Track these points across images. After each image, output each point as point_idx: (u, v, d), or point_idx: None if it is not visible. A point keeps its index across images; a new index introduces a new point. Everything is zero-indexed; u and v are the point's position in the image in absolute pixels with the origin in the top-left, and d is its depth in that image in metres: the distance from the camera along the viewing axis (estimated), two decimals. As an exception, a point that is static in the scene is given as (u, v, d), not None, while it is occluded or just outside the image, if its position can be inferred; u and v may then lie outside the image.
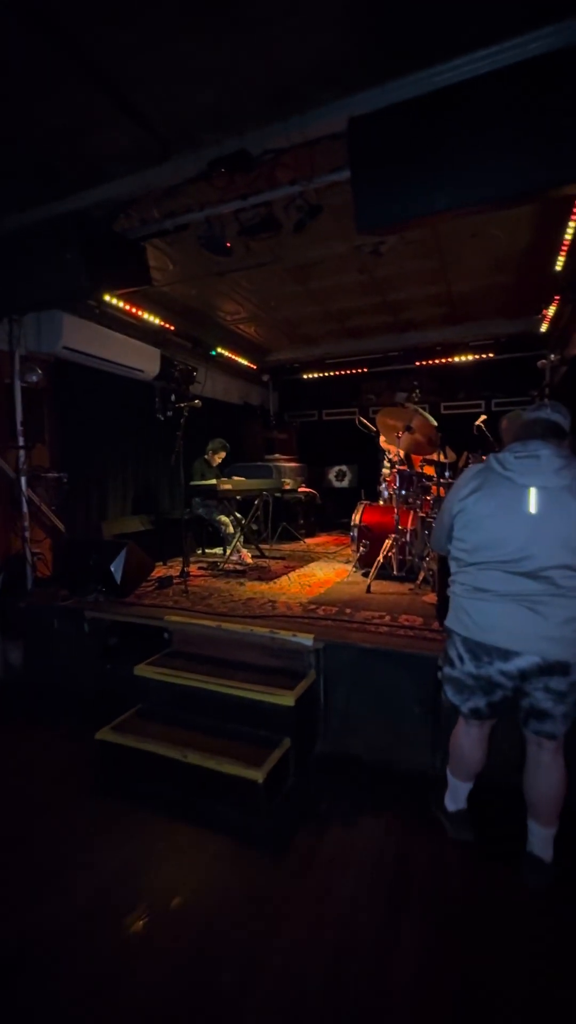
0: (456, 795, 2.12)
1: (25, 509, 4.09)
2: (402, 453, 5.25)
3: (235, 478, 5.19)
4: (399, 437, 3.87)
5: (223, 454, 5.47)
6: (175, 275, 4.61)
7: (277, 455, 7.58)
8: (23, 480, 4.07)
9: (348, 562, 4.69)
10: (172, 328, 5.64)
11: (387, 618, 3.11)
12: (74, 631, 3.56)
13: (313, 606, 3.42)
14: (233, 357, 6.89)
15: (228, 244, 3.35)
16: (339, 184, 2.81)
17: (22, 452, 4.06)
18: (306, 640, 2.79)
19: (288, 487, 6.59)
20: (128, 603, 3.59)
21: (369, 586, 3.76)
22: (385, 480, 4.42)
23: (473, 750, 2.02)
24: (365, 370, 7.63)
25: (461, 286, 5.02)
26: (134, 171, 2.92)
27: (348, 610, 3.30)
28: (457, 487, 1.94)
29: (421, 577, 3.87)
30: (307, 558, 5.30)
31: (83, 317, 4.56)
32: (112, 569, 3.64)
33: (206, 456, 5.46)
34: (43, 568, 4.34)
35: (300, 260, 4.39)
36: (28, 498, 4.14)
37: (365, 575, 4.13)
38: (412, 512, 4.13)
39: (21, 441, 4.05)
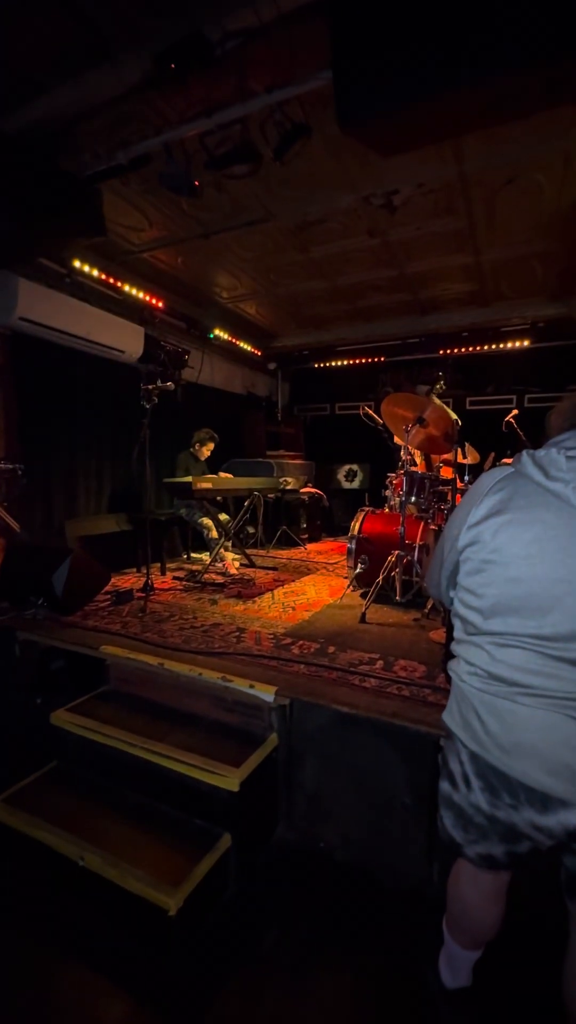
0: (455, 964, 1.40)
1: (-34, 505, 3.51)
2: (417, 452, 4.50)
3: (221, 475, 4.53)
4: (408, 430, 3.13)
5: (211, 446, 4.82)
6: (154, 238, 3.96)
7: (282, 451, 6.90)
8: (-36, 471, 3.49)
9: (347, 577, 3.98)
10: (160, 304, 5.00)
11: (379, 664, 2.39)
12: (4, 654, 2.96)
13: (289, 639, 2.73)
14: (234, 341, 6.22)
15: (196, 183, 2.66)
16: (329, 97, 2.10)
17: (-36, 439, 3.48)
18: (266, 695, 2.11)
19: (290, 486, 5.91)
20: (68, 623, 2.97)
21: (364, 614, 3.05)
22: (392, 483, 3.69)
23: (483, 908, 1.31)
24: (382, 359, 6.87)
25: (493, 254, 4.22)
26: (67, 77, 2.26)
27: (332, 648, 2.60)
28: (467, 503, 1.22)
29: (429, 605, 3.14)
30: (302, 570, 4.61)
31: (47, 285, 3.95)
32: (53, 581, 3.03)
33: (192, 449, 4.82)
34: (-8, 573, 3.75)
35: (297, 218, 3.68)
36: (-28, 492, 3.57)
37: (363, 596, 3.41)
38: (422, 523, 3.39)
39: (-37, 426, 3.47)
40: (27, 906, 1.80)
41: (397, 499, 3.50)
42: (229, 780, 1.84)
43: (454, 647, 1.30)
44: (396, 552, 3.13)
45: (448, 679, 2.13)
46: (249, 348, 6.50)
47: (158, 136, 2.51)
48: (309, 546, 5.99)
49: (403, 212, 3.60)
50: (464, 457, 3.17)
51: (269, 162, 2.71)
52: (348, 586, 3.63)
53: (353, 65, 1.58)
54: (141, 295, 4.74)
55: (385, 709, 1.94)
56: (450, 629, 2.22)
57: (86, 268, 4.14)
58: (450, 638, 2.18)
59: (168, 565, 4.60)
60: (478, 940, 1.35)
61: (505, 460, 4.29)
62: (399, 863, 1.90)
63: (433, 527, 3.29)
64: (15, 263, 3.42)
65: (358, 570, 3.47)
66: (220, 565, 4.39)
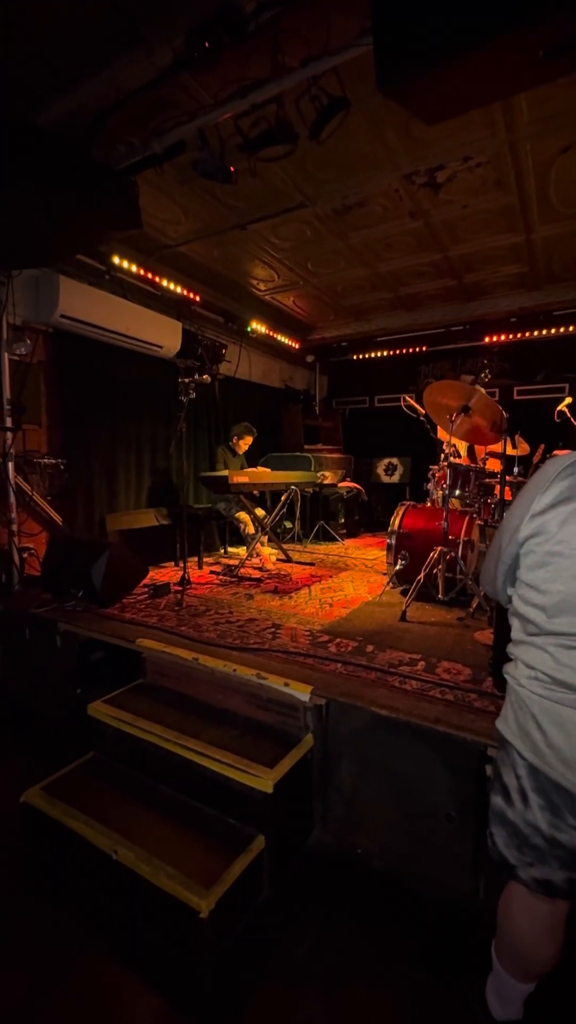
0: (505, 994, 1.29)
1: (12, 499, 3.61)
2: (461, 444, 4.31)
3: (258, 470, 4.48)
4: (452, 420, 2.97)
5: (249, 439, 4.77)
6: (190, 230, 3.94)
7: (319, 445, 6.80)
8: (10, 466, 3.59)
9: (386, 573, 3.85)
10: (197, 299, 5.00)
11: (421, 665, 2.27)
12: (46, 644, 3.02)
13: (326, 637, 2.64)
14: (272, 334, 6.16)
15: (232, 168, 2.60)
16: (368, 68, 1.98)
17: (8, 434, 3.57)
18: (301, 694, 2.03)
19: (327, 481, 5.81)
20: (106, 615, 3.00)
21: (404, 612, 2.92)
22: (434, 476, 3.53)
23: (537, 938, 1.19)
24: (424, 349, 6.64)
25: (546, 232, 3.96)
26: (98, 66, 2.24)
27: (370, 647, 2.49)
28: (531, 490, 1.10)
29: (475, 604, 2.97)
30: (340, 566, 4.50)
31: (88, 282, 4.01)
32: (92, 574, 3.07)
33: (230, 443, 4.79)
34: (36, 565, 3.86)
35: (335, 202, 3.56)
36: (17, 486, 3.67)
37: (403, 594, 3.28)
38: (467, 518, 3.22)
39: (8, 421, 3.57)
40: (63, 896, 1.81)
41: (440, 493, 3.34)
42: (263, 781, 1.78)
43: (511, 649, 1.18)
44: (439, 548, 2.99)
45: (497, 684, 2.00)
46: (286, 341, 6.42)
47: (192, 121, 2.46)
48: (347, 542, 5.87)
49: (448, 190, 3.42)
50: (513, 448, 2.97)
51: (305, 143, 2.62)
52: (387, 583, 3.51)
53: (394, 18, 1.46)
54: (178, 289, 4.75)
55: (427, 714, 1.82)
56: (500, 629, 2.08)
57: (125, 264, 4.17)
58: (501, 639, 2.04)
59: (205, 559, 4.61)
60: (531, 973, 1.24)
61: (557, 452, 4.03)
62: (441, 876, 1.79)
63: (479, 522, 3.11)
64: (55, 260, 3.47)
65: (398, 566, 3.34)
66: (257, 560, 4.35)
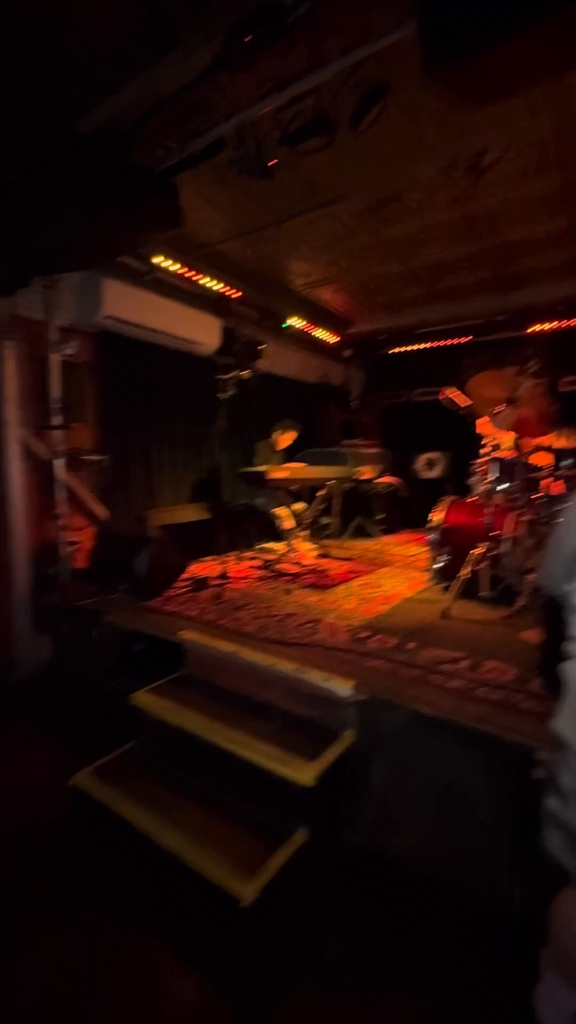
0: (562, 1008, 1.24)
1: (60, 494, 3.76)
2: (505, 438, 4.17)
3: (295, 465, 4.49)
4: (496, 414, 2.88)
5: (292, 435, 4.79)
6: (228, 229, 3.97)
7: (356, 440, 6.73)
8: (58, 463, 3.73)
9: (427, 570, 3.78)
10: (236, 295, 5.04)
11: (464, 664, 2.22)
12: (91, 635, 3.13)
13: (366, 633, 2.62)
14: (309, 329, 6.13)
15: (269, 163, 2.60)
16: (409, 55, 1.93)
17: (57, 432, 3.72)
18: (342, 689, 2.03)
19: (365, 476, 5.74)
20: (149, 608, 3.08)
21: (447, 610, 2.86)
22: (477, 470, 3.42)
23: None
24: (465, 340, 6.44)
25: (596, 213, 3.76)
26: (137, 71, 2.28)
27: (411, 644, 2.46)
28: None
29: (521, 603, 2.87)
30: (378, 562, 4.46)
31: (130, 283, 4.10)
32: (135, 567, 3.16)
33: (271, 439, 4.81)
34: (83, 559, 4.00)
35: (371, 196, 3.50)
36: (65, 482, 3.81)
37: (445, 590, 3.21)
38: (513, 513, 3.11)
39: (57, 420, 3.71)
40: (109, 876, 1.87)
41: (484, 488, 3.24)
42: (304, 774, 1.79)
43: (568, 647, 1.14)
44: (483, 544, 2.90)
45: (547, 685, 1.93)
46: (324, 335, 6.37)
47: (229, 120, 2.47)
48: (384, 538, 5.79)
49: (488, 178, 3.29)
50: (567, 441, 2.85)
51: (343, 136, 2.59)
52: (428, 579, 3.44)
53: (441, -2, 1.42)
54: (218, 287, 4.79)
55: (471, 714, 1.78)
56: (550, 629, 2.00)
57: (166, 264, 4.24)
58: (551, 639, 1.97)
59: (244, 554, 4.65)
60: (589, 984, 1.19)
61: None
62: (475, 879, 1.74)
63: (526, 517, 3.01)
64: (97, 264, 3.58)
65: (440, 563, 3.27)
66: (294, 555, 4.36)
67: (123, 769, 2.17)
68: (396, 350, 7.00)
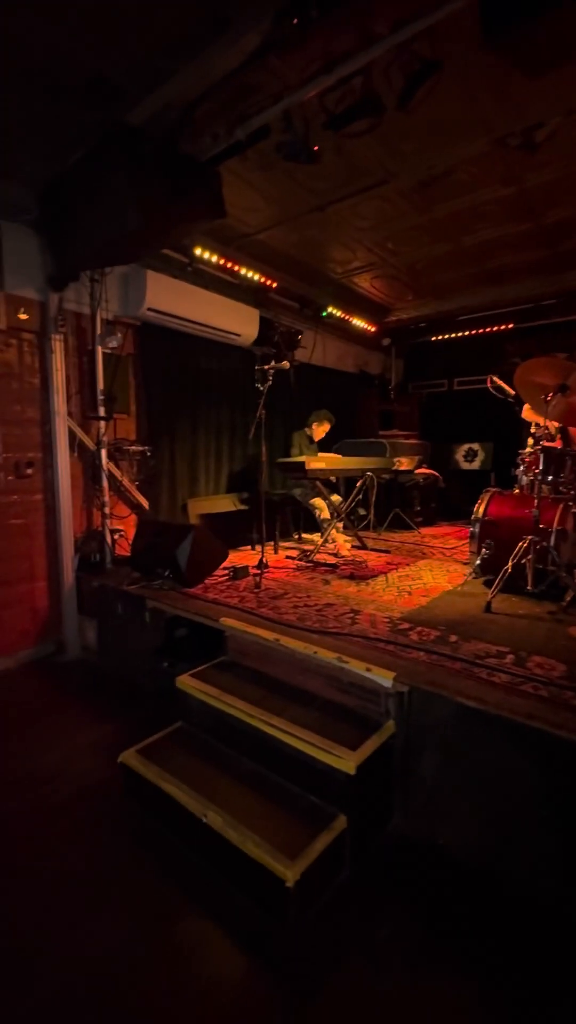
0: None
1: (105, 483, 3.87)
2: (553, 426, 4.02)
3: (332, 456, 4.46)
4: (547, 400, 2.77)
5: (327, 426, 4.76)
6: (270, 216, 3.95)
7: (395, 431, 6.63)
8: (103, 453, 3.84)
9: (467, 563, 3.71)
10: (274, 285, 5.03)
11: (509, 658, 2.17)
12: (137, 619, 3.24)
13: (406, 624, 2.60)
14: (347, 318, 6.06)
15: (315, 148, 2.57)
16: (464, 26, 1.84)
17: (102, 423, 3.82)
18: (383, 679, 2.02)
19: (403, 467, 5.66)
20: (191, 595, 3.15)
21: (490, 603, 2.80)
22: (524, 461, 3.32)
23: None
24: (510, 326, 6.22)
25: None
26: (188, 58, 2.28)
27: (453, 637, 2.42)
28: None
29: (569, 597, 2.78)
30: (417, 554, 4.39)
31: (171, 275, 4.15)
32: (177, 555, 3.23)
33: (307, 429, 4.81)
34: (125, 546, 4.13)
35: (420, 173, 3.40)
36: (109, 472, 3.93)
37: (487, 584, 3.15)
38: (561, 505, 3.00)
39: (101, 411, 3.81)
40: (157, 851, 1.95)
41: (530, 479, 3.14)
42: (346, 762, 1.80)
43: None
44: (529, 537, 2.82)
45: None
46: (362, 324, 6.29)
47: (276, 104, 2.45)
48: (423, 530, 5.71)
49: (545, 151, 3.14)
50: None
51: (391, 114, 2.53)
52: (469, 572, 3.37)
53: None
54: (256, 277, 4.79)
55: (519, 708, 1.74)
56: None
57: (206, 255, 4.27)
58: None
59: (281, 544, 4.68)
60: None
61: None
62: (528, 872, 1.72)
63: (575, 510, 2.90)
64: (145, 255, 3.63)
65: (482, 556, 3.19)
66: (331, 546, 4.35)
67: (170, 748, 2.23)
68: (436, 338, 6.84)
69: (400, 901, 1.73)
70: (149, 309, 3.96)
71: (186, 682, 2.43)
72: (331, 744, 1.87)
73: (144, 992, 1.46)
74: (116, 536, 3.98)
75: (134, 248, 2.98)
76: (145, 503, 4.26)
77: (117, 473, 4.04)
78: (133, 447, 4.11)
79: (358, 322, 6.21)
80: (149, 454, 4.20)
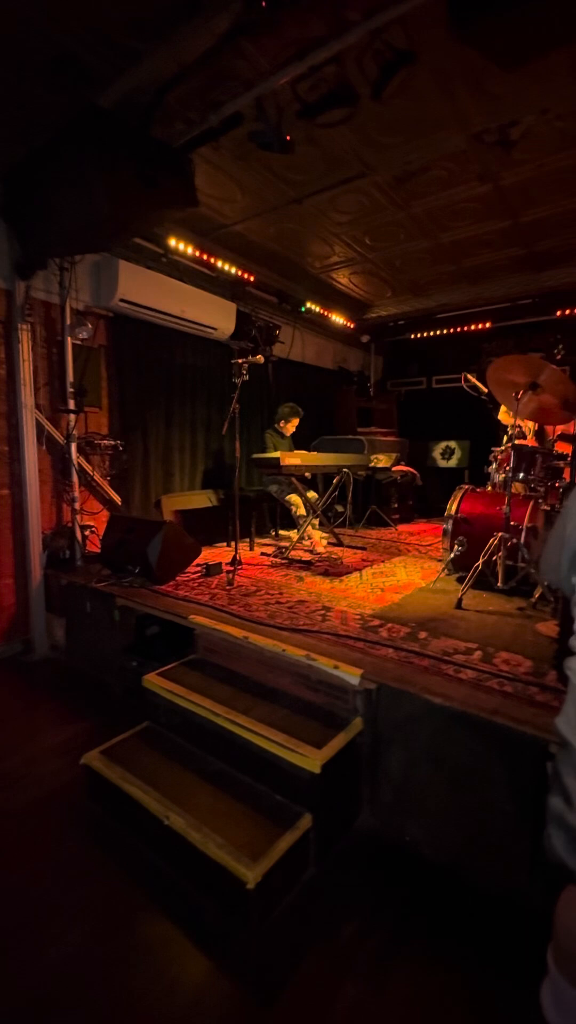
0: (563, 1003, 1.22)
1: (75, 478, 3.78)
2: (529, 426, 4.06)
3: (309, 452, 4.43)
4: (518, 398, 2.79)
5: (296, 421, 4.73)
6: (246, 208, 3.88)
7: (373, 428, 6.64)
8: (73, 447, 3.74)
9: (441, 560, 3.72)
10: (251, 279, 4.97)
11: (477, 655, 2.18)
12: (106, 617, 3.16)
13: (377, 621, 2.59)
14: (326, 314, 6.03)
15: (288, 137, 2.52)
16: (439, 15, 1.82)
17: (72, 416, 3.72)
18: (351, 677, 2.00)
19: (381, 464, 5.67)
20: (161, 592, 3.09)
21: (460, 599, 2.81)
22: (496, 458, 3.34)
23: (603, 948, 1.11)
24: (488, 325, 6.27)
25: (632, 189, 3.59)
26: (159, 39, 2.21)
27: (423, 634, 2.42)
28: None
29: (537, 594, 2.81)
30: (392, 551, 4.40)
31: (146, 266, 4.07)
32: (148, 552, 3.16)
33: (276, 425, 4.77)
34: (97, 543, 4.04)
35: (397, 168, 3.38)
36: (79, 467, 3.83)
37: (459, 581, 3.16)
38: (531, 503, 3.03)
39: (71, 404, 3.71)
40: (119, 854, 1.90)
41: (502, 476, 3.16)
42: (311, 761, 1.78)
43: (573, 642, 1.10)
44: (500, 534, 2.83)
45: (561, 678, 1.88)
46: (341, 320, 6.26)
47: (249, 91, 2.39)
48: (400, 527, 5.73)
49: (521, 148, 3.15)
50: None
51: (367, 105, 2.51)
52: (442, 569, 3.39)
53: None
54: (233, 270, 4.72)
55: (484, 705, 1.74)
56: (564, 622, 1.95)
57: (181, 246, 4.19)
58: (567, 631, 1.91)
59: (257, 540, 4.64)
60: (594, 982, 1.16)
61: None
62: (494, 870, 1.73)
63: (545, 507, 2.93)
64: (115, 243, 3.53)
65: (454, 553, 3.21)
66: (307, 543, 4.33)
67: (135, 749, 2.18)
68: (415, 336, 6.86)
69: (367, 899, 1.72)
70: (122, 300, 3.87)
71: (153, 681, 2.38)
72: (296, 743, 1.85)
73: (104, 996, 1.42)
74: (87, 532, 3.89)
75: (104, 235, 2.89)
76: (118, 499, 4.17)
77: (88, 468, 3.94)
78: (105, 441, 4.02)
79: (337, 318, 6.19)
80: (122, 449, 4.11)
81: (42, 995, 1.41)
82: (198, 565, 3.57)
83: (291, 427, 4.71)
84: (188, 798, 1.87)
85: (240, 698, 2.20)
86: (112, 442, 4.05)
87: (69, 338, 3.66)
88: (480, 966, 1.48)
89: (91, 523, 3.96)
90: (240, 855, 1.60)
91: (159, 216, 2.99)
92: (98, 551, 3.84)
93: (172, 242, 4.11)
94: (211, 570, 3.50)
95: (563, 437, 3.68)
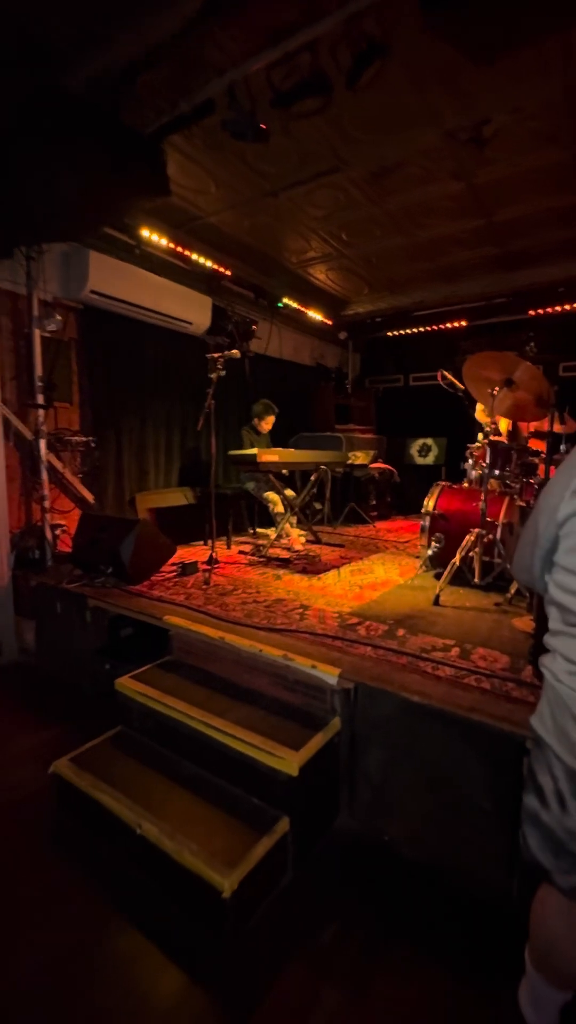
0: (540, 1002, 1.22)
1: (44, 476, 3.65)
2: (503, 422, 4.09)
3: (287, 449, 4.39)
4: (494, 394, 2.80)
5: (271, 419, 4.68)
6: (221, 199, 3.81)
7: (351, 425, 6.64)
8: (42, 443, 3.62)
9: (419, 556, 3.73)
10: (227, 273, 4.89)
11: (455, 651, 2.18)
12: (78, 619, 3.07)
13: (356, 619, 2.57)
14: (303, 310, 6.00)
15: (263, 126, 2.47)
16: (410, 7, 1.80)
17: (41, 412, 3.60)
18: (329, 676, 1.97)
19: (359, 462, 5.67)
20: (134, 592, 3.01)
21: (438, 596, 2.81)
22: (472, 455, 3.36)
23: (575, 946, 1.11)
24: (463, 324, 6.33)
25: (602, 190, 3.65)
26: (126, 20, 2.13)
27: (401, 631, 2.41)
28: (568, 468, 1.02)
29: (513, 589, 2.83)
30: (371, 548, 4.40)
31: (118, 257, 3.96)
32: (120, 551, 3.08)
33: (252, 422, 4.71)
34: (68, 542, 3.92)
35: (372, 164, 3.37)
36: (49, 464, 3.71)
37: (437, 577, 3.17)
38: (507, 499, 3.06)
39: (40, 399, 3.59)
40: (91, 865, 1.83)
41: (478, 473, 3.18)
42: (288, 763, 1.74)
43: (548, 640, 1.09)
44: (476, 530, 2.85)
45: (537, 674, 1.88)
46: (319, 316, 6.24)
47: (222, 76, 2.33)
48: (378, 524, 5.75)
49: (494, 146, 3.17)
50: (561, 424, 2.79)
51: (341, 98, 2.48)
52: (420, 566, 3.39)
53: None
54: (209, 263, 4.64)
55: (462, 702, 1.73)
56: (540, 618, 1.95)
57: (154, 237, 4.09)
58: (541, 628, 1.92)
59: (234, 539, 4.59)
60: (568, 981, 1.16)
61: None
62: (473, 869, 1.72)
63: (520, 503, 2.95)
64: (84, 232, 3.43)
65: (432, 549, 3.21)
66: (285, 540, 4.29)
67: (107, 755, 2.11)
68: (392, 333, 6.89)
69: (346, 902, 1.69)
70: (92, 292, 3.75)
71: (126, 684, 2.30)
72: (273, 745, 1.81)
73: (75, 1012, 1.36)
74: (58, 532, 3.77)
75: (73, 223, 2.80)
76: (90, 497, 4.06)
77: (58, 465, 3.82)
78: (76, 437, 3.90)
79: (314, 314, 6.16)
80: (94, 445, 4.00)
81: (10, 1013, 1.34)
82: (173, 564, 3.49)
83: (267, 424, 4.66)
84: (162, 804, 1.81)
85: (216, 700, 2.15)
86: (84, 438, 3.94)
87: (37, 330, 3.53)
88: (460, 968, 1.47)
89: (62, 522, 3.85)
90: (215, 862, 1.55)
91: (130, 204, 2.91)
92: (69, 551, 3.72)
93: (145, 233, 4.01)
94: (187, 569, 3.43)
95: (537, 434, 3.73)
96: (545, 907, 1.16)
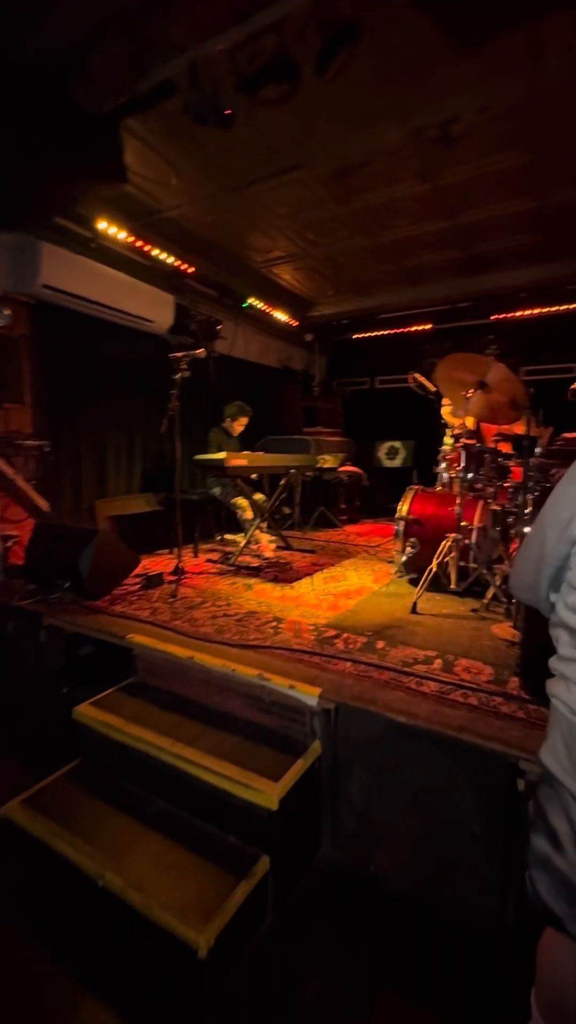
0: (551, 1053, 1.12)
1: (-7, 484, 3.37)
2: (472, 424, 4.07)
3: (255, 453, 4.25)
4: (468, 397, 2.74)
5: (245, 420, 4.52)
6: (181, 192, 3.64)
7: (319, 428, 6.55)
8: (-10, 448, 3.34)
9: (392, 561, 3.66)
10: (191, 271, 4.71)
11: (438, 663, 2.08)
12: (30, 639, 2.82)
13: (332, 632, 2.45)
14: (269, 311, 5.87)
15: (228, 111, 2.32)
16: None
17: (-12, 414, 3.32)
18: (308, 697, 1.84)
19: (327, 465, 5.58)
20: (94, 608, 2.79)
21: (416, 604, 2.73)
22: (446, 458, 3.31)
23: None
24: (428, 327, 6.36)
25: (565, 195, 3.69)
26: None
27: (381, 643, 2.30)
28: (573, 479, 0.91)
29: (489, 595, 2.78)
30: (342, 553, 4.31)
31: (73, 251, 3.71)
32: (79, 563, 2.85)
33: (224, 424, 4.54)
34: (21, 554, 3.63)
35: (337, 161, 3.28)
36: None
37: (412, 583, 3.10)
38: (481, 502, 3.01)
39: (-13, 400, 3.31)
40: (45, 927, 1.62)
41: (450, 476, 3.13)
42: (267, 796, 1.60)
43: (557, 666, 0.99)
44: (452, 535, 2.78)
45: (525, 686, 1.81)
46: (285, 318, 6.13)
47: (182, 55, 2.17)
48: (348, 528, 5.67)
49: (461, 147, 3.13)
50: (538, 426, 2.76)
51: (310, 86, 2.36)
52: (395, 572, 3.31)
53: None
54: (171, 260, 4.45)
55: (450, 721, 1.64)
56: (526, 627, 1.89)
57: (112, 231, 3.87)
58: (527, 637, 1.85)
59: (201, 547, 4.39)
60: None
61: (567, 435, 3.81)
62: (465, 897, 1.62)
63: (494, 507, 2.91)
64: (35, 219, 3.18)
65: (406, 555, 3.14)
66: (255, 547, 4.14)
67: (64, 793, 1.90)
68: (359, 336, 6.86)
69: (332, 947, 1.56)
70: (45, 286, 3.50)
71: (85, 712, 2.10)
72: (250, 776, 1.66)
73: None
74: (9, 543, 3.49)
75: (19, 210, 2.56)
76: (45, 505, 3.78)
77: (9, 471, 3.54)
78: (28, 441, 3.63)
79: (280, 315, 6.04)
80: (48, 449, 3.74)
81: None
82: (137, 576, 3.28)
83: (239, 426, 4.50)
84: (128, 850, 1.63)
85: (186, 726, 1.98)
86: (37, 442, 3.67)
87: (-18, 326, 3.26)
88: (455, 1014, 1.36)
89: (14, 532, 3.56)
90: (189, 916, 1.40)
91: (83, 191, 2.71)
92: (22, 563, 3.45)
93: (102, 225, 3.78)
94: (151, 581, 3.23)
95: (503, 437, 3.73)
96: (554, 954, 1.06)
